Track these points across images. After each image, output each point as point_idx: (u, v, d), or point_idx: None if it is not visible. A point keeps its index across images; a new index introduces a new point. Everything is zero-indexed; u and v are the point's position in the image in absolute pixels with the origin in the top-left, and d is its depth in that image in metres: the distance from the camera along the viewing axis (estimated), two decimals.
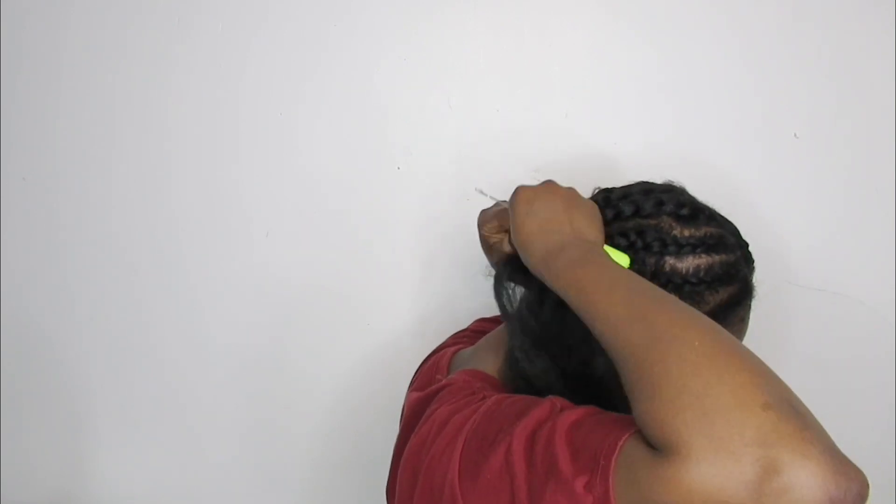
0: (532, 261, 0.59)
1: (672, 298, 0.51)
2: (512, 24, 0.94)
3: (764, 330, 0.95)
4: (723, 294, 0.61)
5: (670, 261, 0.60)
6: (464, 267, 1.01)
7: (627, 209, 0.63)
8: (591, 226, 0.60)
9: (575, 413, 0.52)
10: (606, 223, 0.63)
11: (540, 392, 0.61)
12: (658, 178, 0.69)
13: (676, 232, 0.61)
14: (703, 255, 0.61)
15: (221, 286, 1.07)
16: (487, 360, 0.71)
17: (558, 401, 0.55)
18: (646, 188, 0.65)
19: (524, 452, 0.51)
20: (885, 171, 0.90)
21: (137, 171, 1.06)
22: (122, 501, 1.18)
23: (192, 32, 1.01)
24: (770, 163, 0.92)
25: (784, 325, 0.95)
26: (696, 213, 0.63)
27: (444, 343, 0.87)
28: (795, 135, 0.91)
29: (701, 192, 0.71)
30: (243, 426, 1.11)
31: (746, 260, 0.66)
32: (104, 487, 1.18)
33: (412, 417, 0.68)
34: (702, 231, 0.62)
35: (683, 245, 0.61)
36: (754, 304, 0.92)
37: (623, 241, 0.62)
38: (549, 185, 0.63)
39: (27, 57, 1.06)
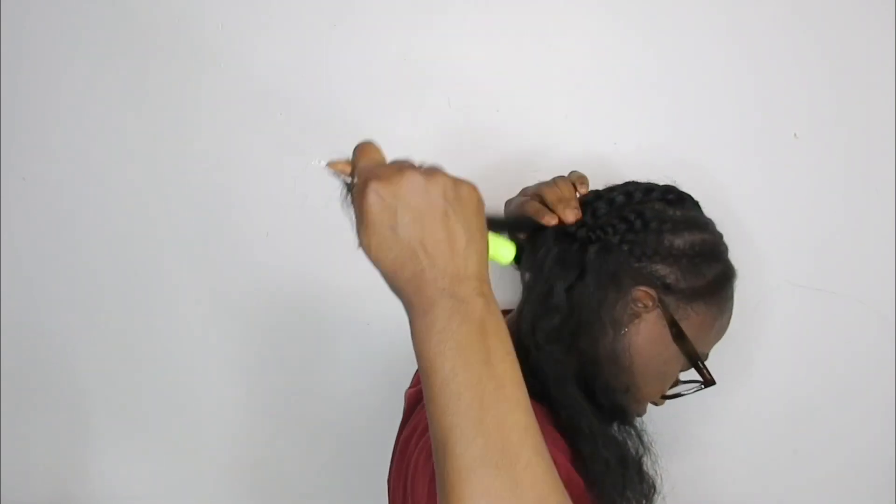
0: (398, 295, 0.48)
1: (500, 457, 0.41)
2: (512, 24, 0.94)
3: (764, 330, 0.95)
4: (715, 269, 0.66)
5: (669, 237, 0.64)
6: None
7: (620, 198, 0.67)
8: (467, 245, 0.45)
9: None
10: (600, 215, 0.66)
11: (541, 383, 0.63)
12: (658, 179, 0.71)
13: (670, 212, 0.66)
14: (696, 233, 0.65)
15: (221, 286, 1.07)
16: None
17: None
18: (631, 183, 0.70)
19: None
20: (885, 172, 0.90)
21: (137, 171, 1.06)
22: (123, 501, 1.18)
23: (192, 32, 1.01)
24: (770, 163, 0.92)
25: (784, 325, 0.95)
26: (682, 197, 0.68)
27: None
28: (795, 135, 0.91)
29: (701, 192, 0.72)
30: (243, 426, 1.11)
31: (726, 249, 0.71)
32: (104, 487, 1.18)
33: (409, 412, 0.69)
34: (691, 212, 0.68)
35: (679, 222, 0.65)
36: (754, 304, 0.92)
37: (623, 225, 0.65)
38: (411, 176, 0.45)
39: (27, 57, 1.06)
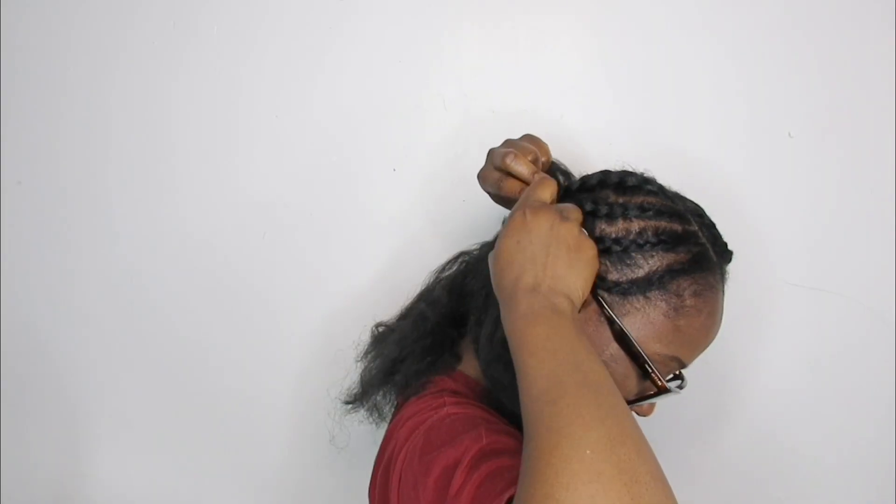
0: (498, 291, 0.57)
1: (598, 388, 0.47)
2: (507, 25, 0.95)
3: (760, 329, 0.95)
4: (660, 260, 0.60)
5: (601, 224, 0.61)
6: None
7: (575, 184, 0.65)
8: (572, 274, 0.56)
9: (497, 462, 0.51)
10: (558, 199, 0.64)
11: (504, 388, 0.62)
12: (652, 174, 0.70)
13: (612, 199, 0.62)
14: (634, 220, 0.60)
15: (218, 287, 1.07)
16: (470, 360, 0.71)
17: (483, 439, 0.54)
18: (601, 172, 0.66)
19: (434, 492, 0.52)
20: (881, 170, 0.90)
21: (135, 174, 1.06)
22: (122, 501, 1.18)
23: (188, 35, 1.02)
24: (765, 162, 0.92)
25: (780, 324, 0.95)
26: (640, 184, 0.64)
27: None
28: (790, 134, 0.91)
29: (696, 191, 0.71)
30: (241, 427, 1.11)
31: (713, 241, 0.65)
32: (104, 487, 1.18)
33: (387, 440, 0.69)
34: (639, 199, 0.62)
35: (613, 208, 0.61)
36: (750, 302, 0.92)
37: None
38: (549, 215, 0.58)
39: (24, 60, 1.06)
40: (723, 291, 0.64)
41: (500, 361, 0.61)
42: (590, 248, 0.58)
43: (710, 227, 0.66)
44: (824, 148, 0.91)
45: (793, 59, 0.90)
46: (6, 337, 1.15)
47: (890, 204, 0.91)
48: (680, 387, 0.65)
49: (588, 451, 0.42)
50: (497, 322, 0.60)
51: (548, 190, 0.61)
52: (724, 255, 0.66)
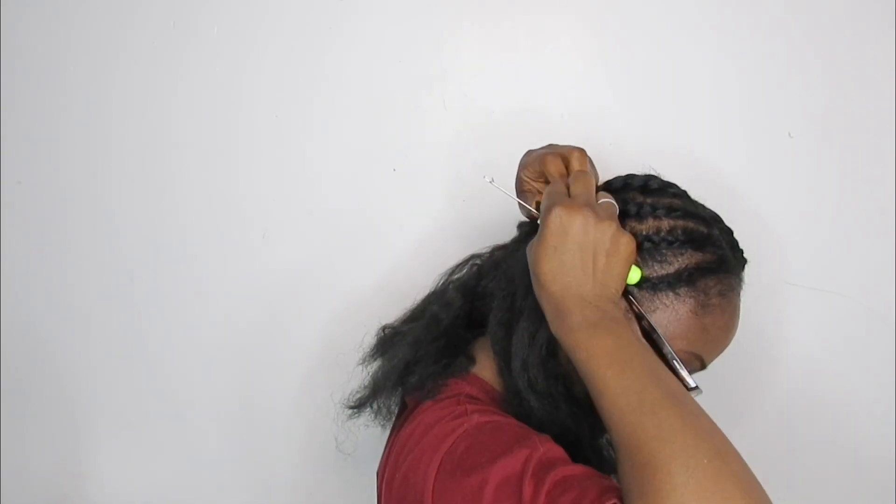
0: (544, 300, 0.56)
1: (683, 398, 0.49)
2: (507, 25, 0.95)
3: (759, 329, 0.95)
4: (689, 258, 0.61)
5: (631, 222, 0.62)
6: None
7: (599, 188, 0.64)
8: (613, 277, 0.56)
9: (561, 471, 0.50)
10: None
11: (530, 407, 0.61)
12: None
13: (640, 200, 0.63)
14: (664, 219, 0.62)
15: (218, 288, 1.07)
16: (484, 363, 0.70)
17: (540, 448, 0.53)
18: (623, 175, 0.67)
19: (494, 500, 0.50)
20: (881, 170, 0.90)
21: (134, 174, 1.06)
22: (122, 502, 1.18)
23: (188, 35, 1.02)
24: (765, 163, 0.93)
25: (780, 324, 0.95)
26: (664, 187, 0.65)
27: None
28: (790, 134, 0.92)
29: (696, 191, 0.71)
30: (241, 428, 1.11)
31: (732, 247, 0.66)
32: (103, 489, 1.18)
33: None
34: (665, 200, 0.63)
35: (643, 207, 0.62)
36: (751, 302, 0.92)
37: None
38: (582, 215, 0.55)
39: (24, 60, 1.06)
40: (740, 297, 0.66)
41: (542, 365, 0.61)
42: (627, 244, 0.56)
43: (728, 233, 0.67)
44: (824, 148, 0.91)
45: (793, 59, 0.90)
46: (6, 337, 1.15)
47: (890, 204, 0.91)
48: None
49: (705, 461, 0.44)
50: (539, 321, 0.60)
51: (581, 184, 0.59)
52: (741, 261, 0.67)
